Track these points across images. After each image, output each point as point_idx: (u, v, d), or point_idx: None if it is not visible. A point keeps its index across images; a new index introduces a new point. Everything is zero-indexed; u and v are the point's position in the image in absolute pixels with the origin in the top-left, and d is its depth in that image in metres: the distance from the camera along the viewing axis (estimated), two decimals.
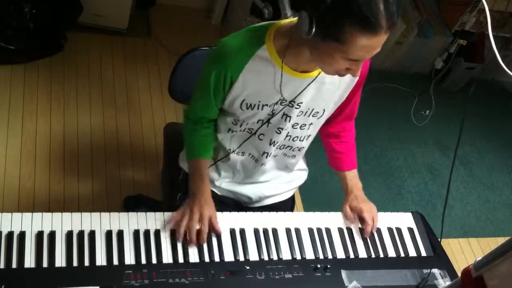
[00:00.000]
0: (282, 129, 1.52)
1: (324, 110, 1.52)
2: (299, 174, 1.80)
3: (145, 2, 3.26)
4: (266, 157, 1.61)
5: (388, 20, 1.14)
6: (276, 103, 1.44)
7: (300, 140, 1.60)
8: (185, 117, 1.61)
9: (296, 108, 1.46)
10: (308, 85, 1.41)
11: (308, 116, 1.51)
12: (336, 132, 1.68)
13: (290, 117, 1.48)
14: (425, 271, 1.55)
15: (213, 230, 1.46)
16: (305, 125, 1.54)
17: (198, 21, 3.38)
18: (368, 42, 1.16)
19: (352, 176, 1.69)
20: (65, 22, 2.84)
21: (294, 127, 1.54)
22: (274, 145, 1.57)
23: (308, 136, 1.60)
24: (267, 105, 1.44)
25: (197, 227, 1.43)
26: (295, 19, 1.32)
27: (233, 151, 1.61)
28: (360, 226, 1.62)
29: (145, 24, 3.24)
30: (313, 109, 1.49)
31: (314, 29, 1.18)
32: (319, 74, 1.40)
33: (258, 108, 1.45)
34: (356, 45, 1.17)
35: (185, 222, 1.43)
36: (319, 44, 1.22)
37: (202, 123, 1.57)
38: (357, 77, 1.48)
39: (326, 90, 1.46)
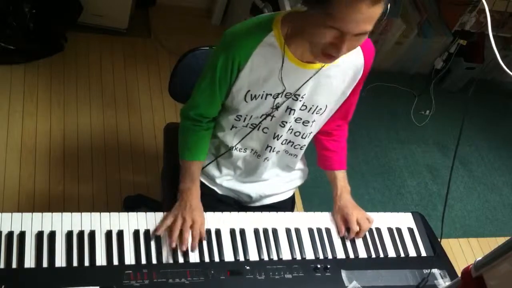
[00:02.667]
0: (286, 122, 1.51)
1: (326, 105, 1.51)
2: (299, 174, 1.80)
3: (145, 2, 3.26)
4: (270, 151, 1.60)
5: None
6: (280, 95, 1.44)
7: (302, 138, 1.60)
8: (183, 116, 1.59)
9: (299, 100, 1.46)
10: (311, 77, 1.40)
11: (312, 113, 1.51)
12: (329, 130, 1.67)
13: (294, 110, 1.48)
14: (425, 271, 1.55)
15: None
16: (308, 122, 1.54)
17: (198, 21, 3.38)
18: (351, 9, 1.13)
19: (342, 177, 1.68)
20: (65, 22, 2.84)
21: (297, 121, 1.54)
22: (278, 139, 1.57)
23: (310, 133, 1.60)
24: (270, 94, 1.43)
25: (189, 234, 1.43)
26: (300, 8, 1.32)
27: (235, 148, 1.61)
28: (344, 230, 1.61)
29: (145, 24, 3.24)
30: (317, 106, 1.49)
31: None
32: (322, 66, 1.39)
33: (262, 98, 1.44)
34: (338, 9, 1.14)
35: (177, 229, 1.43)
36: (310, 15, 1.21)
37: (201, 123, 1.56)
38: (361, 72, 1.48)
39: (330, 84, 1.45)
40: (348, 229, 1.59)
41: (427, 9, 3.46)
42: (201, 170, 1.63)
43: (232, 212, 1.54)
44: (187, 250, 1.41)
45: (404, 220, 1.69)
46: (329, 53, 1.25)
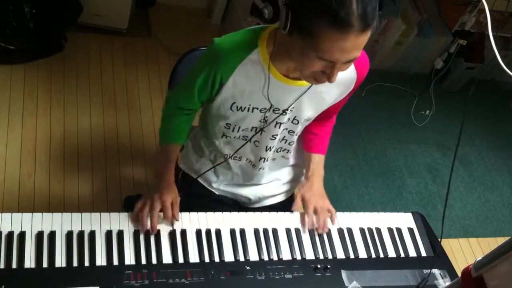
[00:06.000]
0: (277, 135, 1.53)
1: (315, 115, 1.53)
2: (298, 174, 1.80)
3: (145, 2, 3.26)
4: (264, 161, 1.61)
5: (361, 20, 1.09)
6: (268, 110, 1.44)
7: (295, 142, 1.62)
8: (166, 100, 1.59)
9: (287, 114, 1.46)
10: (300, 95, 1.41)
11: (302, 124, 1.52)
12: (316, 118, 1.67)
13: (283, 123, 1.49)
14: (425, 271, 1.55)
15: (172, 216, 1.46)
16: (298, 131, 1.56)
17: (198, 21, 3.38)
18: (338, 40, 1.12)
19: (317, 161, 1.67)
20: (65, 22, 2.84)
21: (290, 133, 1.56)
22: (270, 150, 1.58)
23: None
24: (257, 108, 1.44)
25: (157, 216, 1.44)
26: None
27: (230, 157, 1.61)
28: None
29: (145, 24, 3.24)
30: (307, 118, 1.51)
31: (289, 24, 1.16)
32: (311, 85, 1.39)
33: (248, 111, 1.44)
34: (325, 41, 1.13)
35: (146, 212, 1.44)
36: (296, 42, 1.19)
37: (183, 110, 1.56)
38: (352, 86, 1.48)
39: (320, 99, 1.46)
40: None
41: (427, 9, 3.46)
42: (178, 155, 1.63)
43: (232, 212, 1.54)
44: (187, 249, 1.41)
45: (404, 220, 1.69)
46: (321, 80, 1.25)
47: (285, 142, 1.59)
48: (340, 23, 1.10)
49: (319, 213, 1.57)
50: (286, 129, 1.53)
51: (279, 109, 1.44)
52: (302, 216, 1.59)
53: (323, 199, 1.62)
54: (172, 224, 1.45)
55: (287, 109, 1.44)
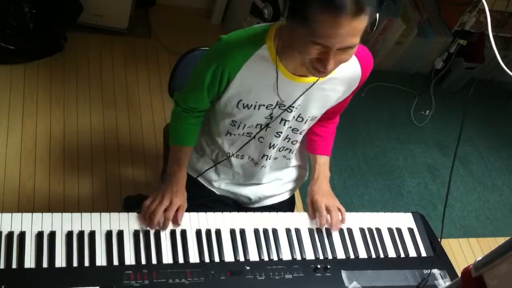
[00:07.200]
0: (281, 132, 1.53)
1: (320, 113, 1.53)
2: (299, 174, 1.80)
3: (145, 2, 3.27)
4: (266, 159, 1.61)
5: (354, 3, 1.10)
6: (275, 107, 1.44)
7: (298, 142, 1.61)
8: (176, 101, 1.59)
9: (293, 111, 1.46)
10: (305, 92, 1.41)
11: (306, 122, 1.52)
12: (320, 119, 1.67)
13: (288, 121, 1.49)
14: (425, 271, 1.55)
15: (173, 220, 1.46)
16: (304, 130, 1.56)
17: (198, 21, 3.38)
18: (332, 24, 1.12)
19: (323, 162, 1.68)
20: (65, 22, 2.85)
21: (294, 131, 1.55)
22: (274, 148, 1.58)
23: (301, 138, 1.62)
24: (263, 105, 1.44)
25: (161, 214, 1.44)
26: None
27: (233, 155, 1.61)
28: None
29: (145, 24, 3.24)
30: (311, 116, 1.50)
31: (286, 12, 1.17)
32: (317, 80, 1.39)
33: (255, 109, 1.45)
34: (319, 25, 1.13)
35: (154, 207, 1.44)
36: (296, 31, 1.20)
37: (193, 112, 1.56)
38: (357, 83, 1.48)
39: (325, 96, 1.46)
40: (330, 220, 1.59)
41: (427, 9, 3.46)
42: (189, 158, 1.63)
43: (232, 212, 1.54)
44: (187, 250, 1.41)
45: (404, 220, 1.69)
46: (317, 68, 1.25)
47: (288, 141, 1.59)
48: (332, 5, 1.10)
49: (331, 212, 1.58)
50: (291, 127, 1.53)
51: (285, 106, 1.44)
52: (313, 217, 1.59)
53: (332, 198, 1.63)
54: (167, 226, 1.45)
55: (293, 106, 1.44)
